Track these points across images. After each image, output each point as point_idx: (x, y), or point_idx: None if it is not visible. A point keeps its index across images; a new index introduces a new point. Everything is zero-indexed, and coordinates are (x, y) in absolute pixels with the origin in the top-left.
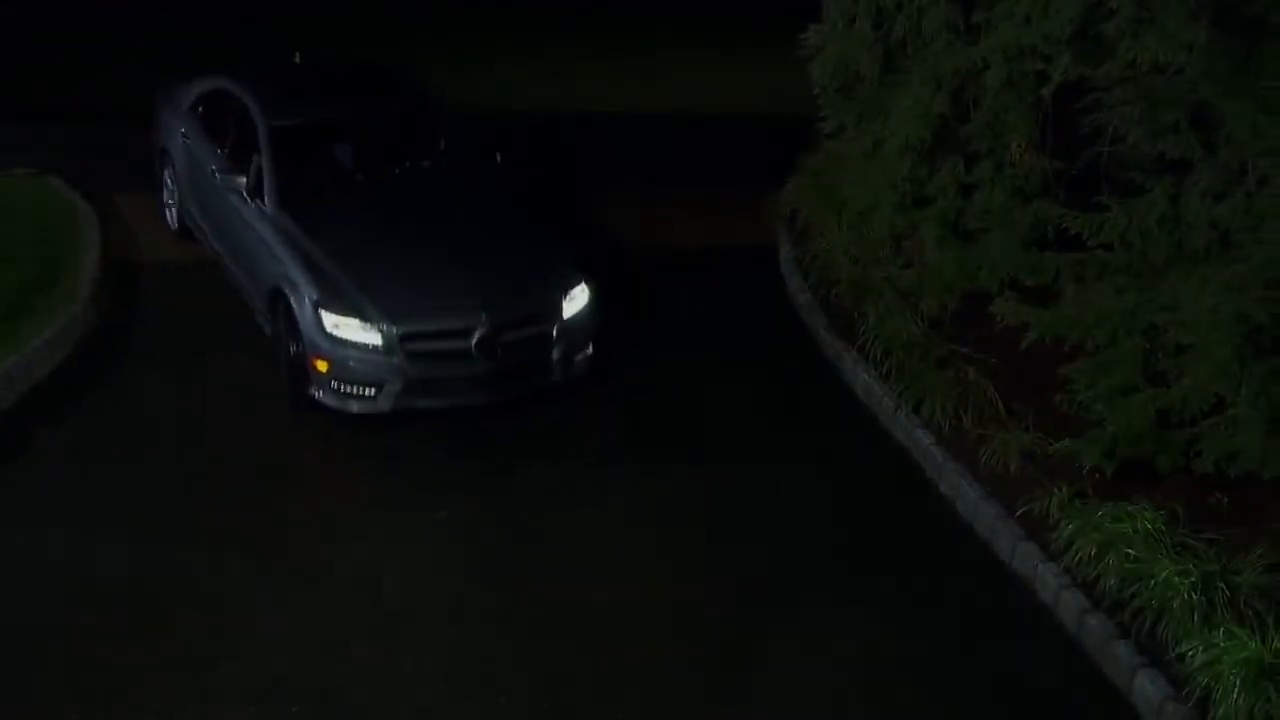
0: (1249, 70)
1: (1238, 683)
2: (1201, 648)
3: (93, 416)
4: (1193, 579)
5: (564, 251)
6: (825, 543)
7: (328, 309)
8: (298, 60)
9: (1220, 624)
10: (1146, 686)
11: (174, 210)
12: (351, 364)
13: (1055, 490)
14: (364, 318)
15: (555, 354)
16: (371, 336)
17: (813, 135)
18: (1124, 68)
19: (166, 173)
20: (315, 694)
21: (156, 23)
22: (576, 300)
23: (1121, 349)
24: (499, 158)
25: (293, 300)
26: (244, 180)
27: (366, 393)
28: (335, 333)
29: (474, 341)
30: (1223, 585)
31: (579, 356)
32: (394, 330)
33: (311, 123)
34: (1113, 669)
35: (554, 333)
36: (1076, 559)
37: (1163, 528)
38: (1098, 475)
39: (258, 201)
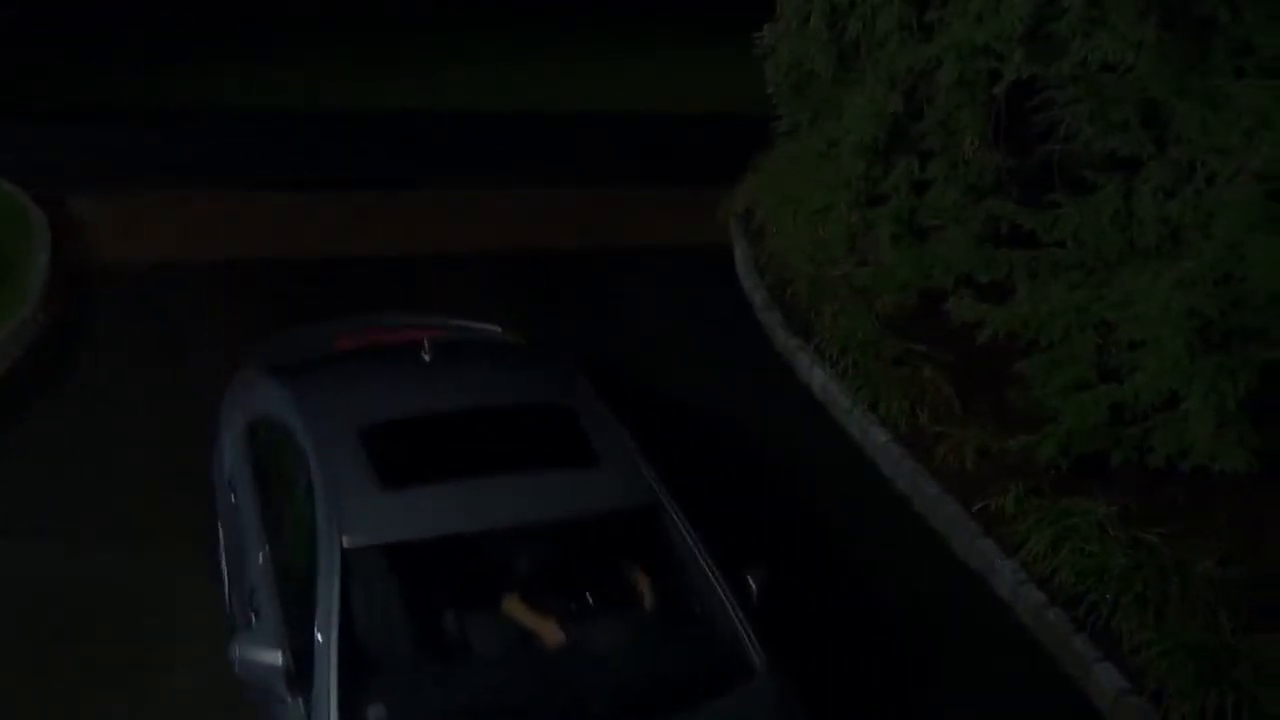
0: (1198, 69)
1: (1192, 674)
2: (1156, 640)
3: (46, 419)
4: (1147, 572)
5: None
6: (786, 541)
7: None
8: (426, 356)
9: (1174, 617)
10: (1103, 680)
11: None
12: None
13: (1011, 486)
14: None
15: None
16: None
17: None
18: (1075, 66)
19: (219, 528)
20: None
21: (156, 23)
22: None
23: (1074, 345)
24: (755, 588)
25: None
26: (280, 660)
27: None
28: None
29: None
30: (1176, 578)
31: None
32: None
33: (427, 540)
34: (1070, 663)
35: None
36: (1032, 554)
37: (1117, 522)
38: (1053, 471)
39: (299, 702)
